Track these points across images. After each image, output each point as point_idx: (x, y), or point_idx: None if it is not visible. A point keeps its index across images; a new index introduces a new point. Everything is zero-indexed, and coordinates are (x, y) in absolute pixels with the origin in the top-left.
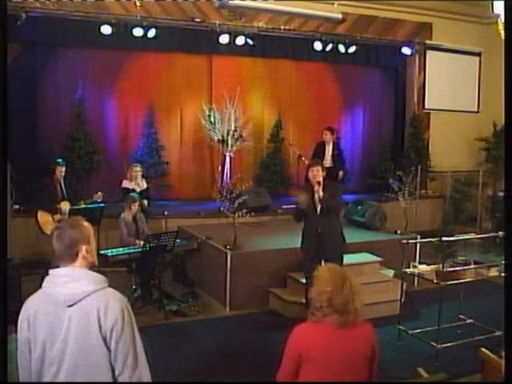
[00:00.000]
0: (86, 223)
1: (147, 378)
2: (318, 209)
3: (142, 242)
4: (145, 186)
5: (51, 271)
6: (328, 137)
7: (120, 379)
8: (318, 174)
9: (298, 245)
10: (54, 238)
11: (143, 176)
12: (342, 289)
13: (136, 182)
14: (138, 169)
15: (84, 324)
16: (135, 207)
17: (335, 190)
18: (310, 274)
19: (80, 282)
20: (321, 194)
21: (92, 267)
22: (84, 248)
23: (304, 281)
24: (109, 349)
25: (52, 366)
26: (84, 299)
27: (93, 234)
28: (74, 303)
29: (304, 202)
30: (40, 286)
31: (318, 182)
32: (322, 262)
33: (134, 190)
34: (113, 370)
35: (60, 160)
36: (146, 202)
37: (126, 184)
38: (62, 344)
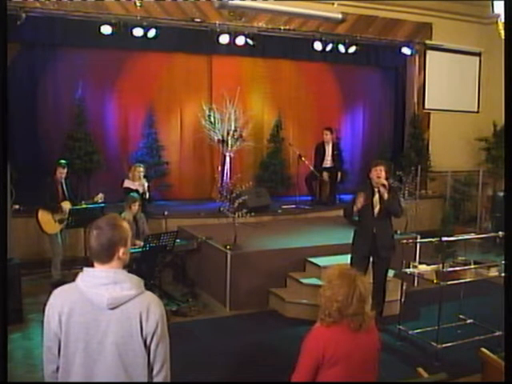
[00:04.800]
0: (125, 224)
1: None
2: (376, 210)
3: (141, 243)
4: (146, 185)
5: (87, 270)
6: (328, 137)
7: (156, 379)
8: (382, 175)
9: (298, 245)
10: (92, 237)
11: (144, 176)
12: (352, 299)
13: (139, 182)
14: (141, 169)
15: (126, 328)
16: (135, 207)
17: (394, 192)
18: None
19: (122, 286)
20: (386, 196)
21: (124, 267)
22: (121, 250)
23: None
24: (148, 351)
25: (81, 367)
26: (126, 303)
27: (131, 235)
28: (116, 307)
29: (361, 203)
30: (40, 286)
31: (384, 185)
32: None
33: (136, 191)
34: (149, 371)
35: (63, 161)
36: (146, 201)
37: (128, 184)
38: (98, 346)
